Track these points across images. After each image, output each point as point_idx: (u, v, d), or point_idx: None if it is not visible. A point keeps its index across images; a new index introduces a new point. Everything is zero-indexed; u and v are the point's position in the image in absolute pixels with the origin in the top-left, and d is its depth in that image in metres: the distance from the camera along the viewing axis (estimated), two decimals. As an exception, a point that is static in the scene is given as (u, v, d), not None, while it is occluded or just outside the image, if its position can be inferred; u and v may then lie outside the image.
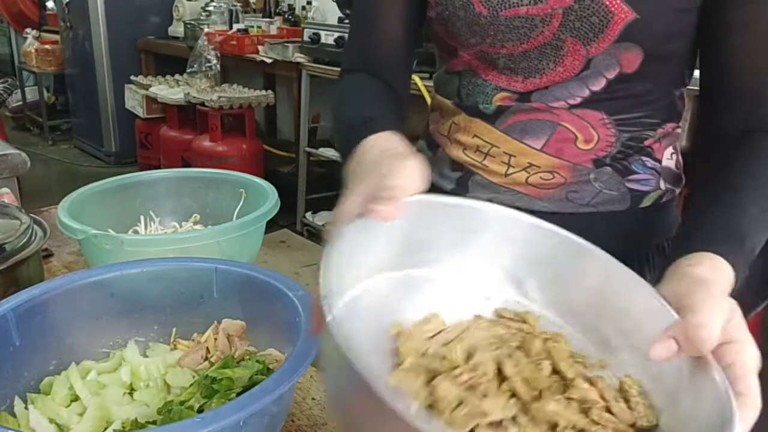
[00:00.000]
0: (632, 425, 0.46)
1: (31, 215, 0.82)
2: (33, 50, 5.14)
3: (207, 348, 0.68)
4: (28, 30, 5.29)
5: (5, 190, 1.21)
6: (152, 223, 1.00)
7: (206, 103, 3.39)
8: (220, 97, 3.38)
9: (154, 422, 0.58)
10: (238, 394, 0.57)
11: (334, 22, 3.29)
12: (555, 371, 0.49)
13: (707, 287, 0.49)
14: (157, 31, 4.47)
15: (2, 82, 5.31)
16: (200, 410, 0.59)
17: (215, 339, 0.68)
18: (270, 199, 0.89)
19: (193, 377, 0.64)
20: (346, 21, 3.16)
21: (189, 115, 3.74)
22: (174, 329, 0.71)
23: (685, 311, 0.47)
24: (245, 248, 0.88)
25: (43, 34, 5.32)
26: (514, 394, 0.46)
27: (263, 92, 3.62)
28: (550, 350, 0.50)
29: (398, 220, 0.49)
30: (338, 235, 0.46)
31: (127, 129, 4.41)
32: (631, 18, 0.64)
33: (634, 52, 0.67)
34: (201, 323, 0.70)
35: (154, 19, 4.49)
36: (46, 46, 5.13)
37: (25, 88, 5.51)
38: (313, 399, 0.69)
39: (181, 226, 1.00)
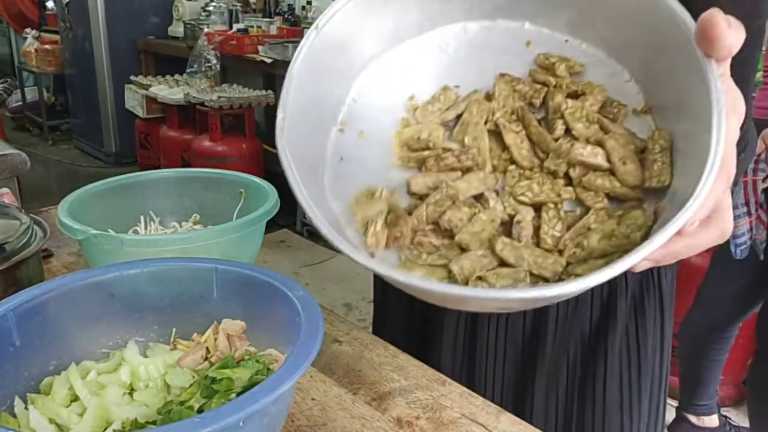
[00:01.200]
0: (636, 186, 0.43)
1: (31, 215, 0.82)
2: (33, 50, 5.14)
3: (207, 348, 0.68)
4: (27, 30, 5.29)
5: (5, 190, 1.21)
6: (152, 223, 1.00)
7: (206, 103, 3.39)
8: (219, 97, 3.38)
9: (154, 422, 0.58)
10: (238, 394, 0.57)
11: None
12: (569, 132, 0.46)
13: None
14: (156, 31, 4.47)
15: (2, 83, 5.32)
16: (200, 410, 0.59)
17: (215, 339, 0.68)
18: (270, 199, 0.89)
19: (193, 377, 0.64)
20: (346, 21, 3.15)
21: (189, 115, 3.74)
22: (174, 329, 0.71)
23: None
24: (245, 248, 0.88)
25: (43, 34, 5.32)
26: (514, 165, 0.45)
27: (263, 92, 3.62)
28: (569, 107, 0.47)
29: None
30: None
31: (127, 129, 4.41)
32: None
33: None
34: (201, 323, 0.70)
35: (154, 19, 4.49)
36: (46, 46, 5.12)
37: (25, 88, 5.51)
38: (312, 399, 0.69)
39: (181, 226, 1.00)
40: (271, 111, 4.13)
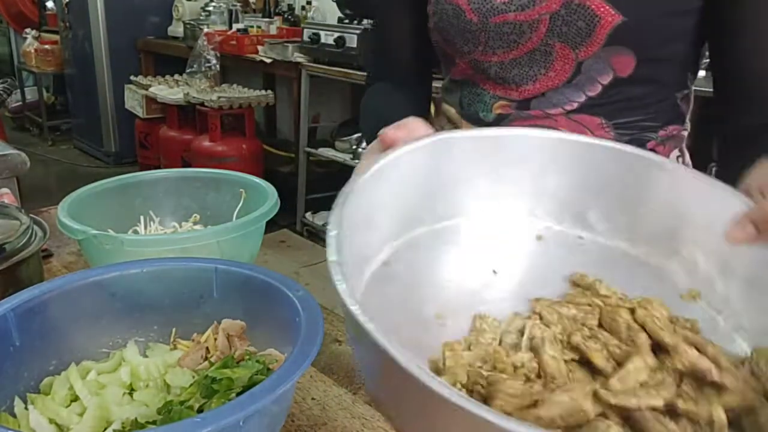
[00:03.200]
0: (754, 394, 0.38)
1: (31, 215, 0.81)
2: (32, 50, 5.13)
3: (207, 348, 0.68)
4: (27, 30, 5.29)
5: (5, 190, 1.21)
6: (152, 223, 1.00)
7: (206, 103, 3.39)
8: (219, 97, 3.38)
9: (154, 422, 0.58)
10: (238, 394, 0.57)
11: (334, 22, 3.28)
12: (654, 347, 0.41)
13: None
14: (156, 31, 4.47)
15: (2, 83, 5.32)
16: (200, 410, 0.59)
17: (215, 339, 0.68)
18: (270, 199, 0.89)
19: (193, 377, 0.64)
20: (346, 21, 3.16)
21: (189, 115, 3.74)
22: (174, 329, 0.71)
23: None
24: (245, 248, 0.88)
25: (43, 35, 5.32)
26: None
27: (263, 92, 3.62)
28: (643, 320, 0.42)
29: (417, 165, 0.43)
30: (348, 193, 0.40)
31: (127, 129, 4.41)
32: (618, 21, 0.64)
33: (625, 56, 0.67)
34: (201, 323, 0.70)
35: (154, 19, 4.48)
36: (46, 46, 5.12)
37: (25, 89, 5.51)
38: (313, 399, 0.69)
39: (181, 226, 1.00)
40: (270, 111, 4.14)
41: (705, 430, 0.36)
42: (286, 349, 0.63)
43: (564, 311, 0.44)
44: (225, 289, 0.70)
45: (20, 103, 5.52)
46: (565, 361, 0.41)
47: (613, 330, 0.42)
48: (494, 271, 0.48)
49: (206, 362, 0.66)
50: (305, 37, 3.15)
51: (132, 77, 4.22)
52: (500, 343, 0.43)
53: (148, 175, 1.03)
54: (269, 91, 3.64)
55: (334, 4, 3.23)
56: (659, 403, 0.36)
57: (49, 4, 5.30)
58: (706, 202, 0.44)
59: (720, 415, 0.36)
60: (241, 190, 0.99)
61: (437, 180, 0.46)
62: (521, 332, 0.43)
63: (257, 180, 0.98)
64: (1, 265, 0.71)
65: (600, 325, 0.43)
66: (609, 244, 0.48)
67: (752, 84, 0.67)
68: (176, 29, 4.31)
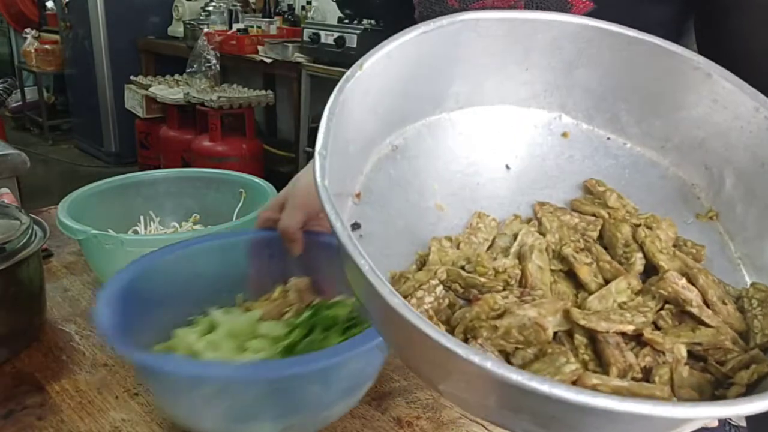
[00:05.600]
0: (737, 334, 0.37)
1: (31, 215, 0.81)
2: (33, 50, 5.13)
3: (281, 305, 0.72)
4: (27, 30, 5.29)
5: (5, 190, 1.21)
6: (152, 223, 1.00)
7: (206, 103, 3.39)
8: (219, 97, 3.38)
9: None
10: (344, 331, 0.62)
11: (334, 22, 3.28)
12: (648, 267, 0.39)
13: None
14: (156, 31, 4.47)
15: (2, 82, 5.32)
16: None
17: (285, 296, 0.72)
18: (270, 199, 0.89)
19: (286, 327, 0.66)
20: (346, 21, 3.16)
21: (189, 115, 3.74)
22: (240, 294, 0.74)
23: None
24: (245, 248, 0.88)
25: (43, 34, 5.31)
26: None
27: (263, 92, 3.61)
28: (643, 239, 0.40)
29: (436, 47, 0.40)
30: (351, 77, 0.38)
31: (127, 129, 4.40)
32: (590, 8, 0.63)
33: None
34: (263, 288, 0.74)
35: (154, 19, 4.48)
36: (46, 46, 5.12)
37: (25, 88, 5.51)
38: (313, 399, 0.70)
39: (181, 226, 1.00)
40: (270, 111, 4.14)
41: (662, 361, 0.35)
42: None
43: (566, 219, 0.42)
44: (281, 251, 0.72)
45: (20, 103, 5.52)
46: (553, 272, 0.40)
47: (610, 245, 0.41)
48: (507, 166, 0.46)
49: (286, 316, 0.70)
50: (305, 37, 3.15)
51: (132, 77, 4.21)
52: (492, 245, 0.42)
53: (148, 175, 1.03)
54: (269, 91, 3.64)
55: (335, 4, 3.23)
56: (628, 329, 0.35)
57: (49, 4, 5.30)
58: (747, 120, 0.41)
59: (680, 350, 0.35)
60: (241, 190, 0.99)
61: (457, 64, 0.43)
62: (515, 237, 0.42)
63: (257, 180, 0.98)
64: (1, 265, 0.71)
65: (600, 238, 0.42)
66: (637, 150, 0.45)
67: (742, 67, 0.65)
68: (176, 29, 4.31)
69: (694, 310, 0.36)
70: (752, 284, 0.39)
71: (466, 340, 0.35)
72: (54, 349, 0.77)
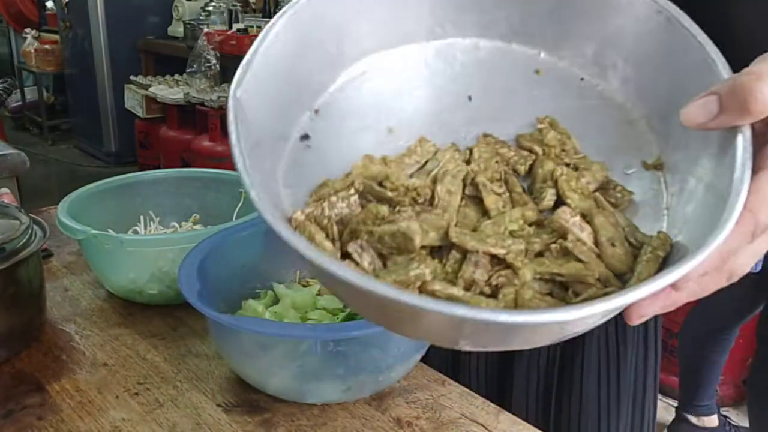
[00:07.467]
0: (616, 275, 0.37)
1: (31, 215, 0.81)
2: (32, 50, 5.14)
3: None
4: (27, 30, 5.29)
5: (5, 190, 1.21)
6: (152, 223, 1.00)
7: (206, 103, 3.39)
8: (219, 96, 3.38)
9: None
10: None
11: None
12: (559, 204, 0.40)
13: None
14: (156, 31, 4.47)
15: (1, 82, 5.32)
16: None
17: None
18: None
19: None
20: (346, 21, 3.15)
21: (189, 115, 3.74)
22: (297, 271, 0.82)
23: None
24: (245, 248, 0.88)
25: (43, 34, 5.32)
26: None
27: (263, 92, 3.61)
28: (564, 174, 0.41)
29: None
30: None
31: (127, 129, 4.41)
32: None
33: None
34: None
35: (154, 19, 4.48)
36: (46, 46, 5.12)
37: (25, 88, 5.51)
38: (313, 399, 0.70)
39: (181, 226, 1.00)
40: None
41: (513, 282, 0.36)
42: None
43: (503, 152, 0.44)
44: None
45: (20, 102, 5.52)
46: (468, 198, 0.42)
47: (533, 181, 0.42)
48: (469, 98, 0.47)
49: None
50: (305, 37, 3.15)
51: (132, 77, 4.21)
52: (421, 168, 0.44)
53: (147, 175, 1.03)
54: (269, 91, 3.64)
55: (334, 4, 3.22)
56: (497, 251, 0.37)
57: (49, 4, 5.30)
58: (697, 69, 0.40)
59: (525, 274, 0.36)
60: (241, 190, 0.98)
61: None
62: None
63: (257, 180, 0.98)
64: (1, 265, 0.71)
65: (529, 174, 0.43)
66: (608, 94, 0.45)
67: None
68: (176, 29, 4.31)
69: (569, 244, 0.37)
70: (658, 233, 0.39)
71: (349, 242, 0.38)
72: (54, 348, 0.77)
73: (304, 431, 0.64)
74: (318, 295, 0.76)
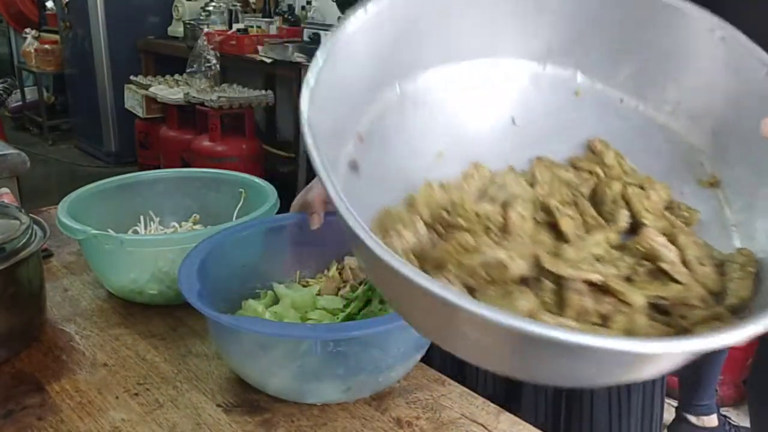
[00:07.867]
0: (710, 294, 0.36)
1: (31, 215, 0.81)
2: (32, 50, 5.13)
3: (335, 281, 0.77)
4: (27, 30, 5.28)
5: (5, 190, 1.21)
6: (152, 223, 1.00)
7: (206, 103, 3.39)
8: (219, 97, 3.38)
9: None
10: None
11: (334, 22, 3.28)
12: (635, 225, 0.39)
13: None
14: (156, 31, 4.47)
15: (2, 82, 5.32)
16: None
17: (339, 273, 0.78)
18: (270, 199, 0.89)
19: (343, 301, 0.73)
20: (346, 21, 3.15)
21: (189, 115, 3.73)
22: (297, 271, 0.83)
23: None
24: (245, 248, 0.88)
25: (43, 34, 5.31)
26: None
27: (263, 92, 3.61)
28: (630, 197, 0.40)
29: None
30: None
31: (127, 129, 4.40)
32: None
33: None
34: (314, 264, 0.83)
35: (154, 19, 4.48)
36: (46, 46, 5.12)
37: (25, 88, 5.50)
38: (313, 399, 0.70)
39: (181, 226, 1.00)
40: (270, 111, 4.13)
41: (621, 309, 0.35)
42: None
43: (561, 174, 0.43)
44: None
45: (20, 102, 5.51)
46: (538, 223, 0.40)
47: (599, 202, 0.41)
48: (513, 120, 0.46)
49: (341, 292, 0.75)
50: (305, 37, 3.15)
51: (132, 77, 4.21)
52: (483, 194, 0.42)
53: (147, 175, 1.03)
54: (269, 91, 3.64)
55: (335, 4, 3.22)
56: (594, 278, 0.35)
57: (49, 4, 5.29)
58: (758, 85, 0.40)
59: (637, 299, 0.34)
60: (241, 190, 0.99)
61: (471, 12, 0.43)
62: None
63: (257, 180, 0.98)
64: (1, 265, 0.71)
65: (595, 196, 0.42)
66: (649, 114, 0.44)
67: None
68: (176, 29, 4.31)
69: (666, 266, 0.36)
70: (738, 250, 0.38)
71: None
72: (54, 349, 0.77)
73: (304, 431, 0.64)
74: (318, 295, 0.76)
